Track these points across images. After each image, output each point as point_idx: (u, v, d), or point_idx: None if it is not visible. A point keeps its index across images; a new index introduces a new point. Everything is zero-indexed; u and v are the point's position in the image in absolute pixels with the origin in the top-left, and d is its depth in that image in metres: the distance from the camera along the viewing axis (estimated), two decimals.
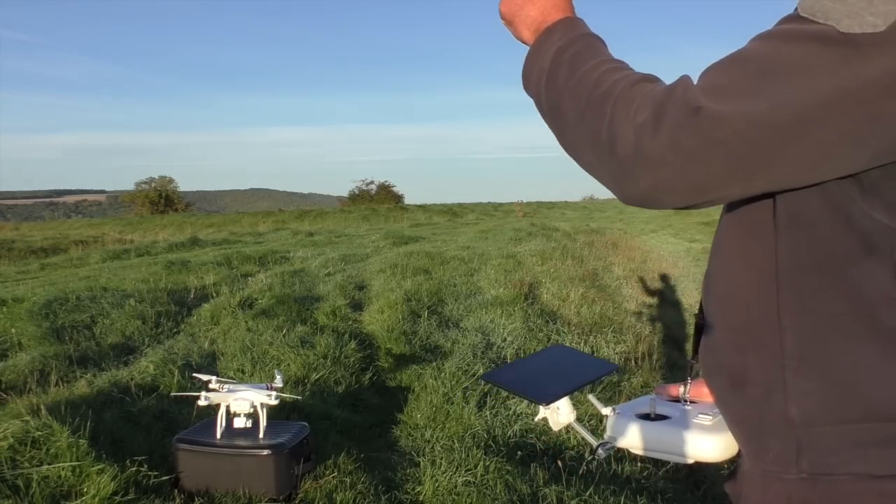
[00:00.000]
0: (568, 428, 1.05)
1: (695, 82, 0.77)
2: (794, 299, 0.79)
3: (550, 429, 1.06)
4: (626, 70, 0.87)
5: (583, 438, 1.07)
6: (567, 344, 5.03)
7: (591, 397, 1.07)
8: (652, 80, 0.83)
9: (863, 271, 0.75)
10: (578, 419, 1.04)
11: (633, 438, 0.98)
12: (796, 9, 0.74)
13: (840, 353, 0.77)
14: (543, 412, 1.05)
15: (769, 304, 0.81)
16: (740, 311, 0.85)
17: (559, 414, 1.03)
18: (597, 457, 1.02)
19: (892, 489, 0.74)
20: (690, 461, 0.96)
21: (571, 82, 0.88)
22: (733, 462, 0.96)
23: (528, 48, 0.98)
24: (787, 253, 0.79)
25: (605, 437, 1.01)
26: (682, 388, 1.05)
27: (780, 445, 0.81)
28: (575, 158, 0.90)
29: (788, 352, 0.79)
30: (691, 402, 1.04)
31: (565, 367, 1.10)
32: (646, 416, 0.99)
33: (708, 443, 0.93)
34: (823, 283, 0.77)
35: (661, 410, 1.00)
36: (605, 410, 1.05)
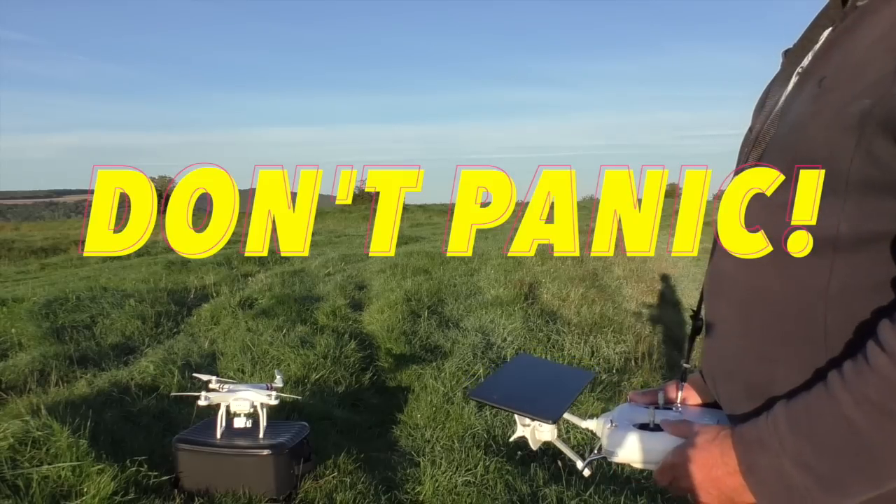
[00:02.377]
0: (548, 446, 0.98)
1: None
2: (846, 322, 0.75)
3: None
4: (839, 379, 0.71)
5: (566, 455, 1.01)
6: (567, 345, 5.03)
7: (566, 415, 0.98)
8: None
9: None
10: (559, 436, 0.98)
11: (638, 453, 0.91)
12: None
13: None
14: (522, 430, 0.99)
15: (814, 323, 0.77)
16: (770, 322, 0.81)
17: (540, 431, 0.97)
18: (582, 475, 0.97)
19: None
20: None
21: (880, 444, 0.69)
22: None
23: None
24: (845, 273, 0.75)
25: (604, 451, 0.95)
26: (666, 394, 1.01)
27: None
28: None
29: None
30: (676, 407, 1.00)
31: (547, 379, 1.05)
32: (645, 427, 0.93)
33: None
34: (881, 308, 0.73)
35: (656, 419, 0.94)
36: (587, 424, 0.99)
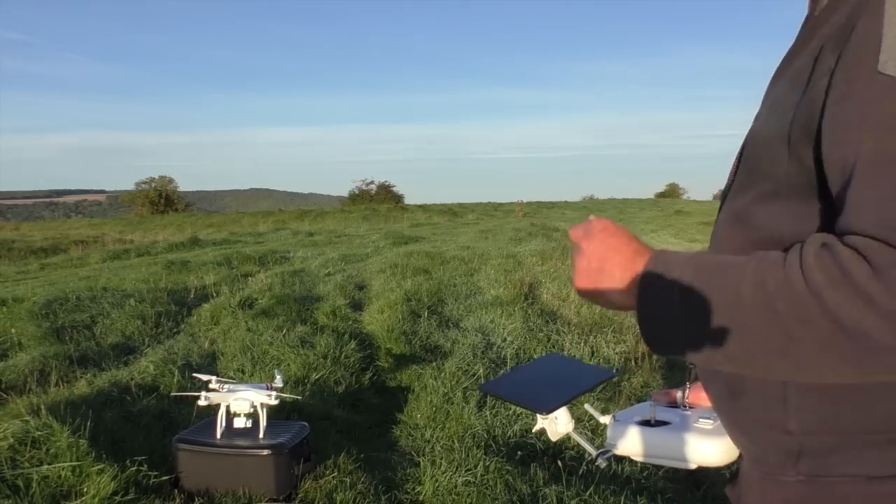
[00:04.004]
0: (567, 437, 1.03)
1: (850, 235, 0.68)
2: None
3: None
4: (759, 259, 0.73)
5: (582, 447, 1.05)
6: (567, 345, 5.03)
7: (587, 407, 1.04)
8: (791, 255, 0.71)
9: None
10: (577, 428, 1.03)
11: (634, 445, 0.96)
12: (878, 70, 0.68)
13: None
14: (541, 422, 1.03)
15: None
16: None
17: (557, 424, 1.01)
18: (597, 465, 1.00)
19: (889, 490, 0.75)
20: (693, 466, 0.95)
21: (736, 307, 0.72)
22: (734, 465, 0.95)
23: (639, 310, 0.82)
24: None
25: (606, 444, 0.99)
26: (680, 394, 1.04)
27: (779, 450, 0.81)
28: (805, 378, 0.74)
29: None
30: (690, 406, 1.03)
31: (563, 376, 1.09)
32: (646, 423, 0.98)
33: (710, 448, 0.92)
34: None
35: (660, 416, 0.99)
36: (604, 419, 1.03)
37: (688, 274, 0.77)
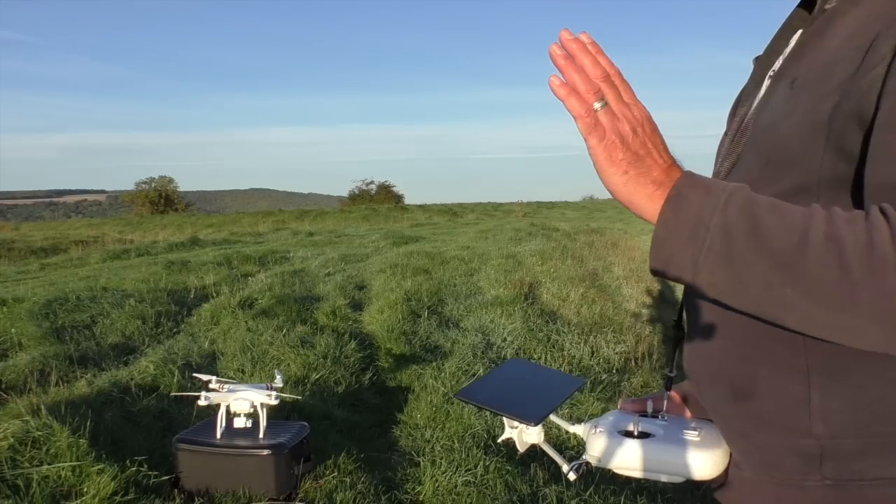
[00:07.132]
0: (534, 448, 0.99)
1: None
2: None
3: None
4: (830, 212, 0.68)
5: (552, 458, 1.02)
6: (567, 345, 5.03)
7: (553, 417, 0.99)
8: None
9: None
10: (546, 439, 0.99)
11: (619, 459, 0.93)
12: None
13: (870, 371, 0.74)
14: (510, 432, 0.99)
15: None
16: (748, 322, 0.79)
17: (527, 434, 0.98)
18: (568, 478, 0.97)
19: None
20: (681, 480, 0.93)
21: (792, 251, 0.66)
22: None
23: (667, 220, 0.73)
24: None
25: (586, 457, 0.96)
26: (651, 403, 1.01)
27: (797, 454, 0.79)
28: (832, 336, 0.67)
29: (815, 370, 0.77)
30: (663, 416, 1.00)
31: (536, 383, 1.05)
32: (628, 434, 0.95)
33: (700, 460, 0.90)
34: None
35: (641, 427, 0.96)
36: (574, 428, 1.00)
37: (737, 198, 0.70)
